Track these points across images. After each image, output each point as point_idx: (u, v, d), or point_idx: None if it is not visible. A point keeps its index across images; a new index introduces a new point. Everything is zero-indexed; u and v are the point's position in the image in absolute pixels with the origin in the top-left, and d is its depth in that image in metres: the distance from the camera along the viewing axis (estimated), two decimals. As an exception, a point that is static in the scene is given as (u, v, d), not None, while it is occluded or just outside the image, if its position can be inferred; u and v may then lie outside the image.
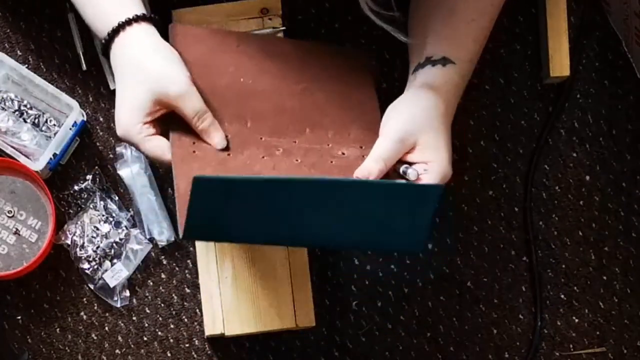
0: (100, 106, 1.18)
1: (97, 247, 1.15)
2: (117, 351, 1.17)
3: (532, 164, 1.21)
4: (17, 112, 1.15)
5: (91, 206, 1.16)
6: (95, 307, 1.17)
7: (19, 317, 1.16)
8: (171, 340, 1.17)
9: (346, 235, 0.92)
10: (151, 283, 1.17)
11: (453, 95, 1.00)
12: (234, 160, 0.96)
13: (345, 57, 1.08)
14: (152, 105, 0.94)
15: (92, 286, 1.16)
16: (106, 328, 1.17)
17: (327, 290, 1.18)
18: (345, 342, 1.18)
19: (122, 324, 1.17)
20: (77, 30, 1.17)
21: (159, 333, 1.17)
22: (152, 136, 0.94)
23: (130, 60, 0.95)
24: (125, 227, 1.17)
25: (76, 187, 1.17)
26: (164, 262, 1.18)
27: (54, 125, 1.15)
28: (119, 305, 1.16)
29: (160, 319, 1.17)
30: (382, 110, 1.02)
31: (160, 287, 1.18)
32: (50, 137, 1.15)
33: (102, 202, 1.16)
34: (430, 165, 0.96)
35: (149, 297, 1.17)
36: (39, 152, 1.13)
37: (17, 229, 1.15)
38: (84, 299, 1.17)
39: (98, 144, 1.18)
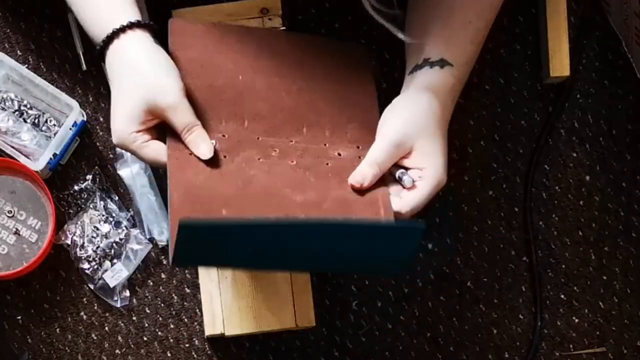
0: (100, 106, 1.18)
1: (97, 247, 1.15)
2: (117, 351, 1.17)
3: (532, 164, 1.21)
4: (17, 112, 1.15)
5: (91, 206, 1.16)
6: (95, 307, 1.17)
7: (19, 317, 1.16)
8: (171, 340, 1.17)
9: (332, 264, 0.95)
10: (151, 283, 1.17)
11: (450, 98, 1.00)
12: (230, 164, 0.96)
13: (344, 53, 1.07)
14: (144, 115, 0.93)
15: (92, 286, 1.16)
16: (106, 328, 1.17)
17: (327, 290, 1.18)
18: (345, 342, 1.18)
19: (122, 324, 1.17)
20: (77, 30, 1.17)
21: (159, 333, 1.17)
22: (147, 142, 0.94)
23: (123, 68, 0.95)
24: (125, 227, 1.17)
25: (76, 187, 1.17)
26: (164, 262, 1.18)
27: (54, 125, 1.15)
28: (119, 305, 1.16)
29: (160, 319, 1.17)
30: (382, 108, 1.02)
31: (160, 287, 1.18)
32: (50, 137, 1.15)
33: (102, 202, 1.16)
34: (425, 172, 0.97)
35: (149, 297, 1.17)
36: (39, 152, 1.13)
37: (17, 229, 1.15)
38: (84, 299, 1.17)
39: (98, 144, 1.18)
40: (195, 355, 1.17)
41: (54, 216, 1.14)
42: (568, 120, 1.23)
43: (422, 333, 1.19)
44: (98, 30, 0.96)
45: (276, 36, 1.06)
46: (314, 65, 1.04)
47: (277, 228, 0.88)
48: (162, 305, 1.17)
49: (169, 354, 1.17)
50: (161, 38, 0.99)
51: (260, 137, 0.99)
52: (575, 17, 1.22)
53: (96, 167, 1.18)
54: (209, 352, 1.17)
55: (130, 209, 1.17)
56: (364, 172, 0.98)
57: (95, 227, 1.16)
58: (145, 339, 1.17)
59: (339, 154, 1.00)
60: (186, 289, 1.17)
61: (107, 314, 1.17)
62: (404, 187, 0.98)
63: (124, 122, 0.94)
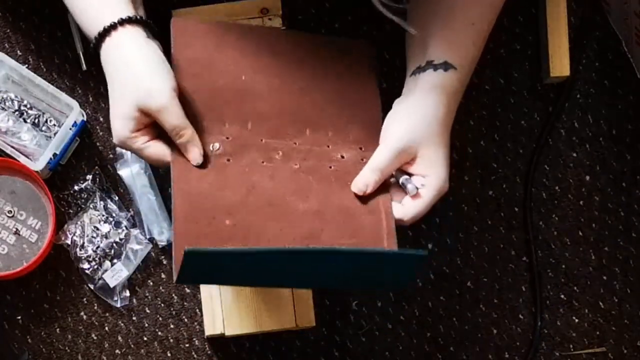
0: (100, 106, 1.18)
1: (97, 247, 1.15)
2: (117, 351, 1.17)
3: (532, 164, 1.21)
4: (17, 112, 1.15)
5: (91, 206, 1.16)
6: (95, 307, 1.17)
7: (19, 317, 1.16)
8: (171, 340, 1.17)
9: (332, 283, 0.99)
10: (151, 283, 1.17)
11: (454, 102, 1.00)
12: (234, 167, 0.96)
13: (346, 50, 1.06)
14: (139, 115, 0.93)
15: (92, 286, 1.16)
16: (106, 328, 1.17)
17: (327, 290, 1.18)
18: (345, 342, 1.18)
19: (122, 324, 1.17)
20: (77, 30, 1.17)
21: (159, 333, 1.17)
22: (148, 143, 0.94)
23: (116, 66, 0.94)
24: (125, 227, 1.17)
25: (76, 187, 1.17)
26: (164, 262, 1.18)
27: (54, 125, 1.15)
28: (119, 305, 1.16)
29: (160, 319, 1.17)
30: (383, 107, 1.02)
31: (160, 287, 1.18)
32: (50, 137, 1.15)
33: (102, 202, 1.16)
34: (428, 180, 0.97)
35: (149, 297, 1.17)
36: (39, 152, 1.13)
37: (17, 229, 1.15)
38: (84, 299, 1.17)
39: (98, 144, 1.18)
40: (195, 355, 1.17)
41: (54, 216, 1.14)
42: (568, 120, 1.23)
43: (422, 333, 1.19)
44: (91, 27, 0.95)
45: (277, 35, 1.05)
46: (315, 64, 1.04)
47: (278, 255, 0.89)
48: (162, 305, 1.17)
49: (169, 354, 1.17)
50: (156, 34, 0.98)
51: (263, 140, 0.98)
52: (575, 17, 1.22)
53: (96, 167, 1.18)
54: (209, 352, 1.17)
55: (130, 209, 1.17)
56: (367, 179, 0.98)
57: (95, 227, 1.16)
58: (145, 339, 1.17)
59: (342, 156, 1.00)
60: (186, 289, 1.17)
61: (107, 314, 1.17)
62: (407, 194, 0.98)
63: (121, 123, 0.94)
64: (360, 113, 1.03)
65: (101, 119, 1.18)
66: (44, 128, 1.15)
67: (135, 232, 1.16)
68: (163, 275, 1.18)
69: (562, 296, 1.21)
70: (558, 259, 1.21)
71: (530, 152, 1.22)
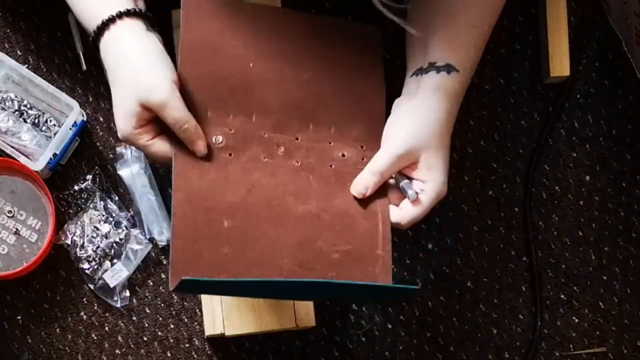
0: (100, 106, 1.18)
1: (97, 247, 1.15)
2: (117, 351, 1.17)
3: (532, 164, 1.21)
4: (17, 112, 1.15)
5: (91, 206, 1.16)
6: (95, 307, 1.17)
7: (19, 317, 1.16)
8: (171, 340, 1.17)
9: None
10: (151, 283, 1.17)
11: (455, 105, 1.00)
12: (236, 163, 0.96)
13: (357, 36, 1.04)
14: (140, 111, 0.92)
15: (92, 286, 1.16)
16: (106, 328, 1.17)
17: (327, 290, 1.18)
18: (345, 342, 1.18)
19: (122, 324, 1.17)
20: (77, 30, 1.17)
21: (159, 333, 1.17)
22: (152, 140, 0.94)
23: (115, 60, 0.94)
24: (125, 227, 1.17)
25: (76, 187, 1.17)
26: (164, 262, 1.18)
27: (54, 125, 1.15)
28: (119, 305, 1.16)
29: (160, 319, 1.17)
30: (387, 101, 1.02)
31: (160, 287, 1.18)
32: (50, 137, 1.15)
33: (102, 202, 1.16)
34: (427, 185, 0.97)
35: (149, 297, 1.17)
36: (39, 152, 1.13)
37: (17, 229, 1.15)
38: (84, 299, 1.17)
39: (98, 144, 1.18)
40: (195, 355, 1.17)
41: (54, 216, 1.14)
42: (568, 120, 1.23)
43: (422, 333, 1.19)
44: (90, 21, 0.95)
45: (288, 16, 1.02)
46: (327, 50, 1.02)
47: (271, 285, 0.91)
48: (162, 305, 1.17)
49: (169, 354, 1.17)
50: (156, 26, 0.97)
51: (266, 133, 0.98)
52: (575, 17, 1.22)
53: (96, 167, 1.18)
54: (209, 352, 1.17)
55: (130, 209, 1.17)
56: (366, 181, 0.98)
57: (95, 227, 1.16)
58: (145, 339, 1.17)
59: (343, 155, 1.00)
60: (186, 289, 1.18)
61: (107, 314, 1.17)
62: (405, 197, 0.98)
63: (124, 119, 0.93)
64: (364, 109, 1.02)
65: (101, 119, 1.18)
66: (44, 128, 1.15)
67: (135, 232, 1.16)
68: (163, 275, 1.18)
69: (562, 296, 1.21)
70: (558, 259, 1.21)
71: (530, 152, 1.22)
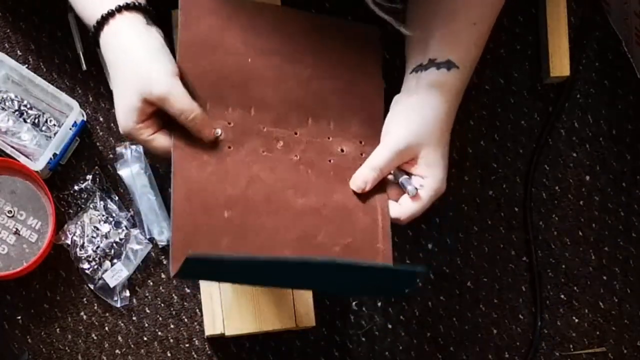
0: (100, 106, 1.18)
1: (97, 247, 1.15)
2: (117, 351, 1.17)
3: (532, 164, 1.21)
4: (17, 112, 1.15)
5: (91, 206, 1.16)
6: (95, 307, 1.17)
7: (19, 317, 1.16)
8: (171, 340, 1.17)
9: (331, 289, 1.01)
10: (151, 283, 1.17)
11: (455, 102, 1.00)
12: (235, 155, 0.96)
13: (357, 35, 1.05)
14: (141, 105, 0.92)
15: (92, 286, 1.16)
16: (106, 328, 1.17)
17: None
18: (345, 342, 1.18)
19: (122, 324, 1.17)
20: (77, 30, 1.17)
21: (159, 333, 1.17)
22: (153, 135, 0.94)
23: (116, 55, 0.93)
24: (125, 227, 1.17)
25: (76, 187, 1.17)
26: (164, 262, 1.18)
27: (54, 125, 1.15)
28: (119, 305, 1.16)
29: (160, 319, 1.17)
30: (386, 99, 1.02)
31: (160, 287, 1.17)
32: (50, 137, 1.15)
33: (102, 202, 1.16)
34: (427, 181, 0.97)
35: (149, 297, 1.17)
36: (39, 152, 1.13)
37: (17, 229, 1.15)
38: (84, 299, 1.17)
39: (98, 144, 1.18)
40: (195, 355, 1.17)
41: (54, 216, 1.14)
42: (568, 120, 1.23)
43: (422, 333, 1.19)
44: (90, 16, 0.94)
45: (287, 15, 1.03)
46: (326, 48, 1.02)
47: (276, 264, 0.89)
48: (162, 305, 1.17)
49: (169, 354, 1.17)
50: (156, 20, 0.97)
51: (265, 127, 0.98)
52: (575, 17, 1.22)
53: (96, 167, 1.18)
54: (209, 352, 1.17)
55: (130, 209, 1.17)
56: (365, 176, 0.98)
57: (95, 227, 1.16)
58: (145, 339, 1.17)
59: (342, 150, 1.00)
60: (186, 289, 1.17)
61: (107, 314, 1.17)
62: (405, 193, 0.98)
63: (125, 114, 0.93)
64: (363, 106, 1.02)
65: (101, 119, 1.18)
66: (44, 128, 1.15)
67: (135, 232, 1.16)
68: (163, 275, 1.18)
69: (562, 296, 1.21)
70: (558, 259, 1.21)
71: (530, 152, 1.22)
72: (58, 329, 1.16)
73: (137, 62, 0.92)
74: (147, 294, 1.17)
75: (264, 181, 0.96)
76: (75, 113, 1.12)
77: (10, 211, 1.15)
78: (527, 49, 1.22)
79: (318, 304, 1.14)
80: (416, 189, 0.97)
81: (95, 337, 1.17)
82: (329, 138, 1.00)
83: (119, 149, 1.16)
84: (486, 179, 1.21)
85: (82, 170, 1.18)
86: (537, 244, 1.21)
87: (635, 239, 1.22)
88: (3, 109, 1.14)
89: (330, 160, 1.00)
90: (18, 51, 1.19)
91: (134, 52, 0.92)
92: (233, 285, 1.10)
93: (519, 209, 1.21)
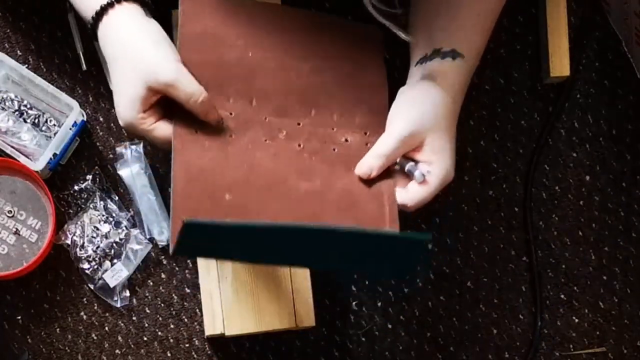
0: (100, 106, 1.18)
1: (97, 247, 1.15)
2: (117, 351, 1.17)
3: (532, 164, 1.21)
4: (17, 112, 1.15)
5: (91, 206, 1.16)
6: (95, 307, 1.17)
7: (19, 317, 1.16)
8: (171, 340, 1.17)
9: (334, 263, 0.94)
10: (151, 283, 1.17)
11: (460, 92, 1.00)
12: (237, 143, 0.96)
13: (357, 33, 1.05)
14: (145, 94, 0.92)
15: (92, 286, 1.16)
16: (106, 328, 1.17)
17: (327, 290, 1.18)
18: (345, 342, 1.18)
19: (122, 324, 1.17)
20: (77, 30, 1.17)
21: (159, 333, 1.17)
22: (155, 124, 0.93)
23: (116, 47, 0.93)
24: (125, 227, 1.17)
25: (76, 187, 1.17)
26: (164, 262, 1.18)
27: (54, 125, 1.15)
28: (119, 305, 1.16)
29: (160, 319, 1.17)
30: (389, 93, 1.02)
31: (160, 287, 1.18)
32: (50, 137, 1.15)
33: (102, 202, 1.16)
34: (434, 167, 0.97)
35: (149, 297, 1.17)
36: (39, 152, 1.13)
37: (17, 229, 1.15)
38: (84, 299, 1.17)
39: (98, 144, 1.18)
40: (195, 355, 1.17)
41: (54, 216, 1.14)
42: (568, 120, 1.23)
43: (422, 333, 1.19)
44: (88, 9, 0.94)
45: (288, 13, 1.03)
46: (327, 45, 1.02)
47: (278, 231, 0.87)
48: (162, 305, 1.17)
49: (169, 354, 1.17)
50: (154, 14, 0.97)
51: (267, 118, 0.98)
52: (575, 17, 1.22)
53: (96, 167, 1.18)
54: (209, 352, 1.17)
55: (130, 209, 1.17)
56: (371, 164, 0.97)
57: (95, 227, 1.16)
58: (145, 339, 1.17)
59: (346, 140, 1.00)
60: (186, 289, 1.17)
61: (107, 314, 1.17)
62: (414, 180, 0.97)
63: (129, 104, 0.92)
64: (367, 97, 1.02)
65: (101, 119, 1.18)
66: (44, 128, 1.15)
67: (135, 232, 1.16)
68: (163, 275, 1.18)
69: (562, 296, 1.21)
70: (558, 259, 1.21)
71: (530, 152, 1.22)
72: (58, 329, 1.16)
73: (140, 50, 0.92)
74: (147, 294, 1.17)
75: (266, 166, 0.95)
76: (75, 113, 1.12)
77: (10, 211, 1.15)
78: (527, 49, 1.22)
79: (318, 304, 1.14)
80: (423, 175, 0.96)
81: (95, 337, 1.17)
82: (333, 129, 1.00)
83: (119, 149, 1.16)
84: (486, 179, 1.21)
85: (82, 170, 1.18)
86: (537, 244, 1.21)
87: (635, 239, 1.22)
88: (3, 109, 1.14)
89: (334, 149, 0.99)
90: (18, 51, 1.19)
91: (134, 42, 0.92)
92: (233, 285, 1.10)
93: (519, 209, 1.21)
